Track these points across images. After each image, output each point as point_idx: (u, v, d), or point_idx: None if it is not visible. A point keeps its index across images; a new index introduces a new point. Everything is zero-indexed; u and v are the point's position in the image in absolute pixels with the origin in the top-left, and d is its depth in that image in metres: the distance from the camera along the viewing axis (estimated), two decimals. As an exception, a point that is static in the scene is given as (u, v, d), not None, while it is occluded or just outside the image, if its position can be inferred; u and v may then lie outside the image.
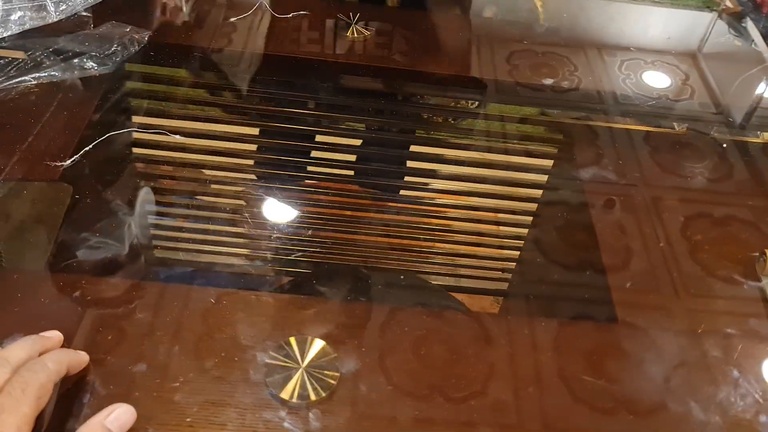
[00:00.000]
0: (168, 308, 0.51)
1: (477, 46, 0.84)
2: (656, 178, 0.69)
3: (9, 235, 0.54)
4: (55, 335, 0.47)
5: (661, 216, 0.64)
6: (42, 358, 0.42)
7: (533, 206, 0.66)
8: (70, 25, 0.75)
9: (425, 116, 0.78)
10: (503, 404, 0.48)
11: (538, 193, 0.68)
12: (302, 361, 0.48)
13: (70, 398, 0.45)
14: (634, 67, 0.84)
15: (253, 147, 0.70)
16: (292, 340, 0.49)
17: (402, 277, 0.56)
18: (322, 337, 0.50)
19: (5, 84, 0.64)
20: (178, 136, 0.65)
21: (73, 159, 0.59)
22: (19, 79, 0.66)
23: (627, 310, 0.56)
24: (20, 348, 0.43)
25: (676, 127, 0.76)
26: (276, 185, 0.64)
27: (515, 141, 0.73)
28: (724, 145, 0.74)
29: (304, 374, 0.47)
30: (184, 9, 0.85)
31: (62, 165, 0.58)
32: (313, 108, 0.74)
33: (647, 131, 0.74)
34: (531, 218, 0.65)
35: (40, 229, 0.55)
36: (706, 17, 0.97)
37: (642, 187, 0.67)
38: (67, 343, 0.47)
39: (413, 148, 0.74)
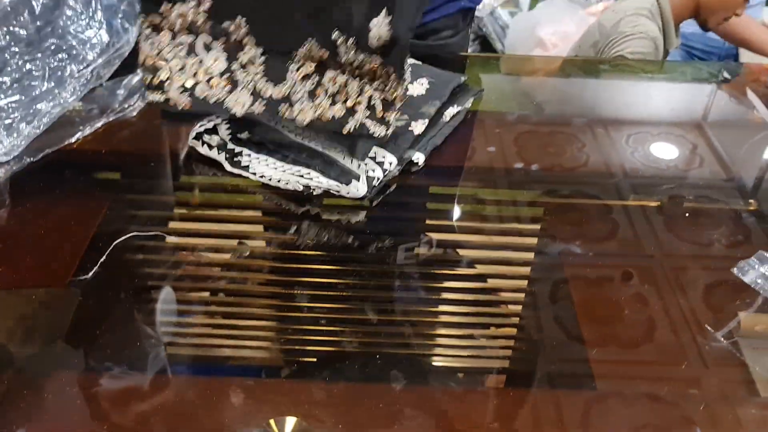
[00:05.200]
0: (154, 397, 0.52)
1: (484, 135, 0.85)
2: (675, 248, 0.68)
3: (20, 339, 0.56)
4: None
5: (681, 286, 0.64)
6: None
7: (520, 286, 0.66)
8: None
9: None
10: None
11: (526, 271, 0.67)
12: (281, 442, 0.48)
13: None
14: (641, 140, 0.85)
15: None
16: (272, 421, 0.50)
17: (377, 356, 0.57)
18: (303, 419, 0.50)
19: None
20: (171, 237, 0.67)
21: (85, 276, 0.61)
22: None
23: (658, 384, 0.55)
24: None
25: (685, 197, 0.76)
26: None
27: (524, 222, 0.73)
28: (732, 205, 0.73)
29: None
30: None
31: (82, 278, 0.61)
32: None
33: (657, 205, 0.74)
34: (525, 297, 0.64)
35: (48, 333, 0.58)
36: (707, 88, 0.98)
37: (660, 258, 0.67)
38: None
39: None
